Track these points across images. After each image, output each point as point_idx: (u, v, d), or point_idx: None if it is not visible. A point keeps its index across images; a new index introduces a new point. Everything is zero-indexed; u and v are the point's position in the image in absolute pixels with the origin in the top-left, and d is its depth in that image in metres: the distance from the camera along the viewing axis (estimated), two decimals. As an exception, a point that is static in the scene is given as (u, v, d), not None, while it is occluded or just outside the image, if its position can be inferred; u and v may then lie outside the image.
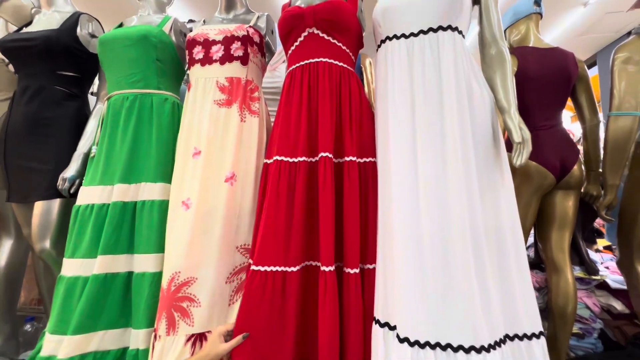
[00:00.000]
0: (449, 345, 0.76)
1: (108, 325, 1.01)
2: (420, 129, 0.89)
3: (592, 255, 1.61)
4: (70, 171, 1.21)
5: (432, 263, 0.81)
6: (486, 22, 1.02)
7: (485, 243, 0.85)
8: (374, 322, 0.89)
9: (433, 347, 0.76)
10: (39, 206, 1.22)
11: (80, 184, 1.19)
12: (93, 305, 0.99)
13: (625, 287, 1.41)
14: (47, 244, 1.21)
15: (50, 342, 0.97)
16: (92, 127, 1.28)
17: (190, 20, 1.44)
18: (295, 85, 1.04)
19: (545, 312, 1.39)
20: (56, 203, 1.23)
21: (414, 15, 0.96)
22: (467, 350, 0.75)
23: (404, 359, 0.75)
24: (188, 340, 0.93)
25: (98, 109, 1.32)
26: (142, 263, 1.04)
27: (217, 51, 1.14)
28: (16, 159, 1.25)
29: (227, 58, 1.14)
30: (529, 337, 0.84)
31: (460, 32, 0.97)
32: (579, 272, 1.51)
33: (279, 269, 0.91)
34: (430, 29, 0.95)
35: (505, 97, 0.94)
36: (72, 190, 1.22)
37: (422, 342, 0.76)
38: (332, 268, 0.90)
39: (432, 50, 0.94)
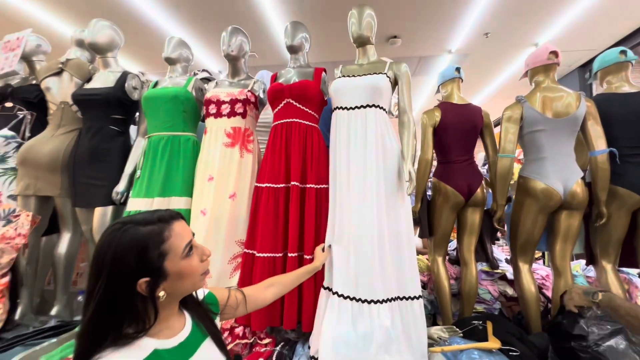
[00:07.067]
0: (359, 299, 1.31)
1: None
2: (353, 169, 1.45)
3: (497, 253, 2.16)
4: (121, 187, 1.75)
5: (354, 252, 1.36)
6: (400, 98, 1.58)
7: (388, 241, 1.40)
8: (322, 288, 1.43)
9: (351, 299, 1.31)
10: (98, 210, 1.75)
11: (127, 197, 1.73)
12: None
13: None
14: (103, 236, 1.73)
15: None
16: (135, 155, 1.82)
17: (206, 79, 1.99)
18: (277, 137, 1.59)
19: (458, 295, 1.93)
20: (110, 209, 1.76)
21: (353, 97, 1.52)
22: (369, 302, 1.30)
23: (333, 303, 1.30)
24: (204, 298, 1.47)
25: (139, 141, 1.86)
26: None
27: (225, 109, 1.69)
28: (81, 177, 1.79)
29: (232, 114, 1.69)
30: (412, 299, 1.38)
31: (382, 108, 1.52)
32: (485, 266, 2.06)
33: (272, 255, 1.46)
34: (362, 106, 1.51)
35: (406, 150, 1.49)
36: (122, 201, 1.75)
37: (345, 295, 1.31)
38: (295, 254, 1.45)
39: (362, 119, 1.49)
